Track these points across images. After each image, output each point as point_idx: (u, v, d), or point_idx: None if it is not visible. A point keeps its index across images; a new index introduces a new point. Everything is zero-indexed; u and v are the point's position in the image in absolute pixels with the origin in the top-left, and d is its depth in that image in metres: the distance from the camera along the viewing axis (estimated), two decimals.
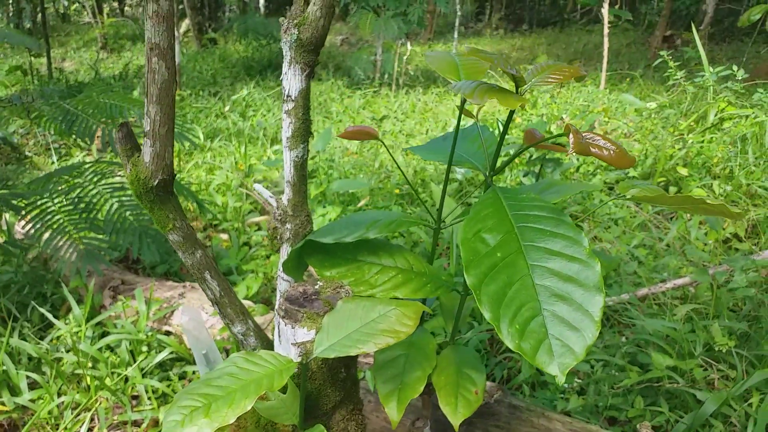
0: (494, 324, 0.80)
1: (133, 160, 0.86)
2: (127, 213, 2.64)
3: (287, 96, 1.05)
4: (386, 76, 7.47)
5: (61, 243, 2.48)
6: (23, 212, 2.47)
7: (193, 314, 1.10)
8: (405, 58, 7.09)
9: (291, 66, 1.03)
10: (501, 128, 1.25)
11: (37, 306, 2.63)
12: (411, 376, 1.05)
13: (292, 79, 1.04)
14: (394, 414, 1.01)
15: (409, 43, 7.33)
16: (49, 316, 2.52)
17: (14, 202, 2.43)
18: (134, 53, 11.23)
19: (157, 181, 0.86)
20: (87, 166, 2.72)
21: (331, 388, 1.02)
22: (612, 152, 0.83)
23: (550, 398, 2.05)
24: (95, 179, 2.61)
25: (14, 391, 2.27)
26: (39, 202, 2.51)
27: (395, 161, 1.13)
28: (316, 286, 1.04)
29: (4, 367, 2.29)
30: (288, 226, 1.11)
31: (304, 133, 1.08)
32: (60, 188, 2.55)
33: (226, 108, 6.21)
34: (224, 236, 3.49)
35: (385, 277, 1.09)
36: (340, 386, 1.03)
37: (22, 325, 2.63)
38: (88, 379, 2.30)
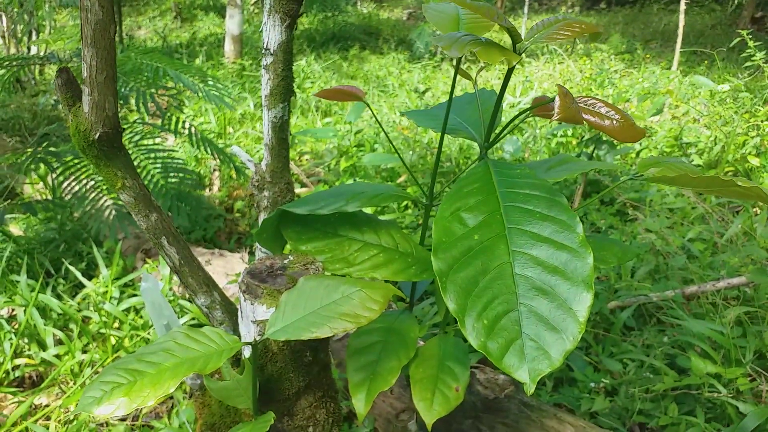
0: (457, 316, 0.69)
1: (74, 110, 0.79)
2: (161, 177, 2.63)
3: (265, 49, 0.95)
4: None
5: (94, 203, 2.49)
6: (58, 171, 2.50)
7: (152, 283, 1.04)
8: None
9: (270, 15, 0.92)
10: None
11: (70, 265, 2.67)
12: (385, 366, 0.95)
13: (271, 31, 0.93)
14: (360, 407, 0.91)
15: None
16: (78, 274, 2.55)
17: (49, 160, 2.46)
18: (205, 23, 11.40)
19: (98, 134, 0.78)
20: (124, 127, 2.72)
21: (293, 372, 0.93)
22: (615, 122, 0.68)
23: (576, 396, 1.90)
24: (131, 141, 2.60)
25: (42, 346, 2.31)
26: (74, 162, 2.52)
27: (383, 128, 1.01)
28: (286, 261, 0.94)
29: (34, 322, 2.34)
30: (266, 193, 1.01)
31: (284, 91, 0.98)
32: None
33: None
34: None
35: (365, 255, 0.98)
36: (305, 371, 0.94)
37: (57, 281, 2.69)
38: (113, 339, 2.32)
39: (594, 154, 2.87)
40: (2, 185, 2.58)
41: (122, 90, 2.41)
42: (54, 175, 3.25)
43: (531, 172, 0.82)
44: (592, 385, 1.85)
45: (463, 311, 0.69)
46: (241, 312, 0.93)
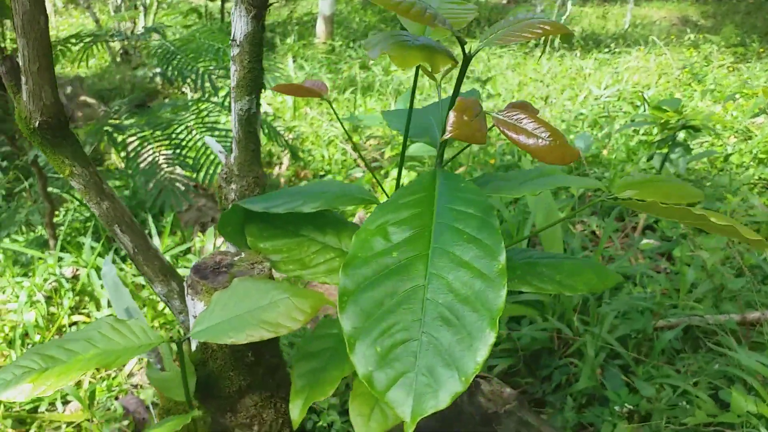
0: (348, 340, 0.64)
1: (17, 98, 0.81)
2: (214, 154, 2.70)
3: (232, 40, 0.93)
4: (543, 37, 6.97)
5: (153, 176, 2.61)
6: (122, 143, 2.63)
7: (110, 268, 1.05)
8: (564, 17, 6.52)
9: (237, 6, 0.90)
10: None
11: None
12: (327, 375, 0.91)
13: (237, 21, 0.91)
14: (295, 414, 0.89)
15: (570, 3, 6.72)
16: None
17: (115, 134, 2.60)
18: (308, 1, 11.61)
19: (37, 122, 0.79)
20: (189, 104, 2.82)
21: (234, 371, 0.92)
22: (542, 141, 0.60)
23: (600, 416, 1.77)
24: (191, 118, 2.69)
25: (98, 306, 2.47)
26: (138, 135, 2.65)
27: (344, 128, 0.96)
28: (236, 258, 0.93)
29: (92, 283, 2.50)
30: (233, 186, 1.00)
31: (251, 83, 0.95)
32: (160, 124, 2.68)
33: (370, 61, 6.20)
34: None
35: (321, 258, 0.95)
36: (247, 371, 0.92)
37: (119, 247, 2.86)
38: (160, 305, 2.43)
39: (668, 158, 2.65)
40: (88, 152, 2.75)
41: (184, 69, 2.49)
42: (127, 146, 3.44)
43: (474, 188, 0.74)
44: (617, 408, 1.72)
45: (358, 334, 0.65)
46: (188, 306, 0.92)
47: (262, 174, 1.01)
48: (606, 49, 6.65)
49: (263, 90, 0.97)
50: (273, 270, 0.95)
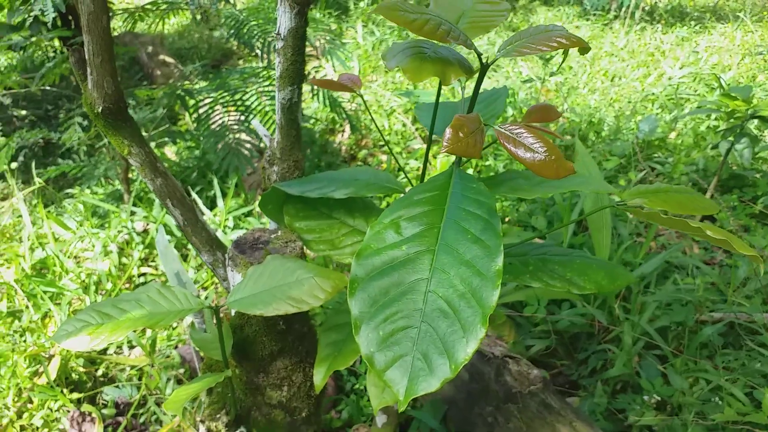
0: (355, 322, 0.72)
1: (84, 85, 0.91)
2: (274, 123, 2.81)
3: (277, 33, 1.00)
4: (624, 9, 6.67)
5: (222, 138, 2.76)
6: (194, 105, 2.78)
7: (163, 235, 1.16)
8: None
9: (282, 2, 0.97)
10: None
11: (203, 192, 2.99)
12: (348, 347, 1.00)
13: (282, 16, 0.98)
14: (318, 379, 0.98)
15: None
16: (199, 202, 2.86)
17: (187, 98, 2.74)
18: None
19: (100, 108, 0.90)
20: (258, 70, 2.93)
21: (266, 337, 1.02)
22: (537, 156, 0.65)
23: (629, 403, 1.80)
24: (258, 85, 2.81)
25: None
26: (207, 100, 2.79)
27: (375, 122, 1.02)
28: (272, 236, 1.02)
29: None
30: (275, 168, 1.09)
31: (293, 75, 1.02)
32: (229, 89, 2.81)
33: None
34: (384, 158, 3.57)
35: (349, 240, 1.03)
36: (278, 337, 1.02)
37: None
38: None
39: (732, 147, 2.55)
40: (156, 113, 2.94)
41: (251, 38, 2.59)
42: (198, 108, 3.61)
43: (484, 189, 0.80)
44: (645, 398, 1.74)
45: (364, 318, 0.72)
46: (228, 276, 1.02)
47: (301, 158, 1.09)
48: (691, 23, 6.32)
49: (304, 80, 1.04)
50: (305, 249, 1.04)
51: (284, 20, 0.98)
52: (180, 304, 0.91)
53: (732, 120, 2.42)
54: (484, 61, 0.78)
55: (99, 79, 0.87)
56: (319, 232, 1.04)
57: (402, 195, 0.84)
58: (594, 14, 6.88)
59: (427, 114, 1.04)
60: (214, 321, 1.02)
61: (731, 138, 2.50)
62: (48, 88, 3.39)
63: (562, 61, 0.80)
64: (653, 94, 3.88)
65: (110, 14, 0.80)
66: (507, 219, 2.84)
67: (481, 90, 0.93)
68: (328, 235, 1.04)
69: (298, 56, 1.01)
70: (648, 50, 5.41)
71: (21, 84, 2.98)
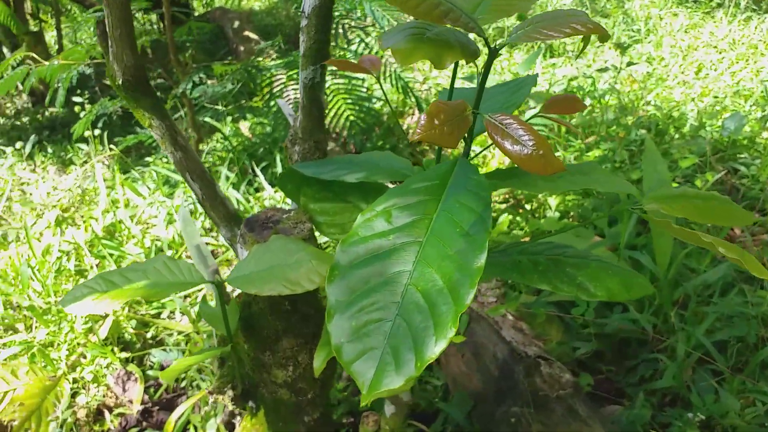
0: (329, 311, 0.70)
1: (106, 58, 0.93)
2: (344, 103, 2.82)
3: (302, 11, 0.99)
4: None
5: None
6: (266, 82, 2.84)
7: (183, 210, 1.19)
8: None
9: None
10: None
11: (267, 168, 3.06)
12: None
13: None
14: (317, 363, 0.98)
15: None
16: (261, 177, 2.93)
17: (255, 74, 2.80)
18: None
19: (121, 80, 0.92)
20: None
21: (272, 316, 1.03)
22: (525, 150, 0.60)
23: (675, 418, 1.69)
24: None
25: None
26: (281, 77, 2.83)
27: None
28: (284, 216, 1.02)
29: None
30: (296, 148, 1.08)
31: (316, 54, 1.01)
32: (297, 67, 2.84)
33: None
34: None
35: None
36: (283, 317, 1.03)
37: (254, 179, 3.11)
38: None
39: None
40: (229, 89, 3.02)
41: None
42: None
43: (484, 182, 0.76)
44: (690, 415, 1.63)
45: (339, 308, 0.71)
46: (238, 253, 1.04)
47: (323, 138, 1.08)
48: None
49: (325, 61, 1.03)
50: (316, 232, 1.03)
51: None
52: (183, 277, 0.93)
53: None
54: (492, 46, 0.74)
55: (119, 51, 0.89)
56: (332, 216, 1.03)
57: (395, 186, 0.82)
58: (695, 1, 6.44)
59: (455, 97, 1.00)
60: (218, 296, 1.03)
61: None
62: None
63: (582, 49, 0.74)
64: (747, 89, 3.59)
65: None
66: (571, 214, 2.73)
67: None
68: (339, 219, 1.03)
69: (321, 35, 1.00)
70: (751, 42, 5.01)
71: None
